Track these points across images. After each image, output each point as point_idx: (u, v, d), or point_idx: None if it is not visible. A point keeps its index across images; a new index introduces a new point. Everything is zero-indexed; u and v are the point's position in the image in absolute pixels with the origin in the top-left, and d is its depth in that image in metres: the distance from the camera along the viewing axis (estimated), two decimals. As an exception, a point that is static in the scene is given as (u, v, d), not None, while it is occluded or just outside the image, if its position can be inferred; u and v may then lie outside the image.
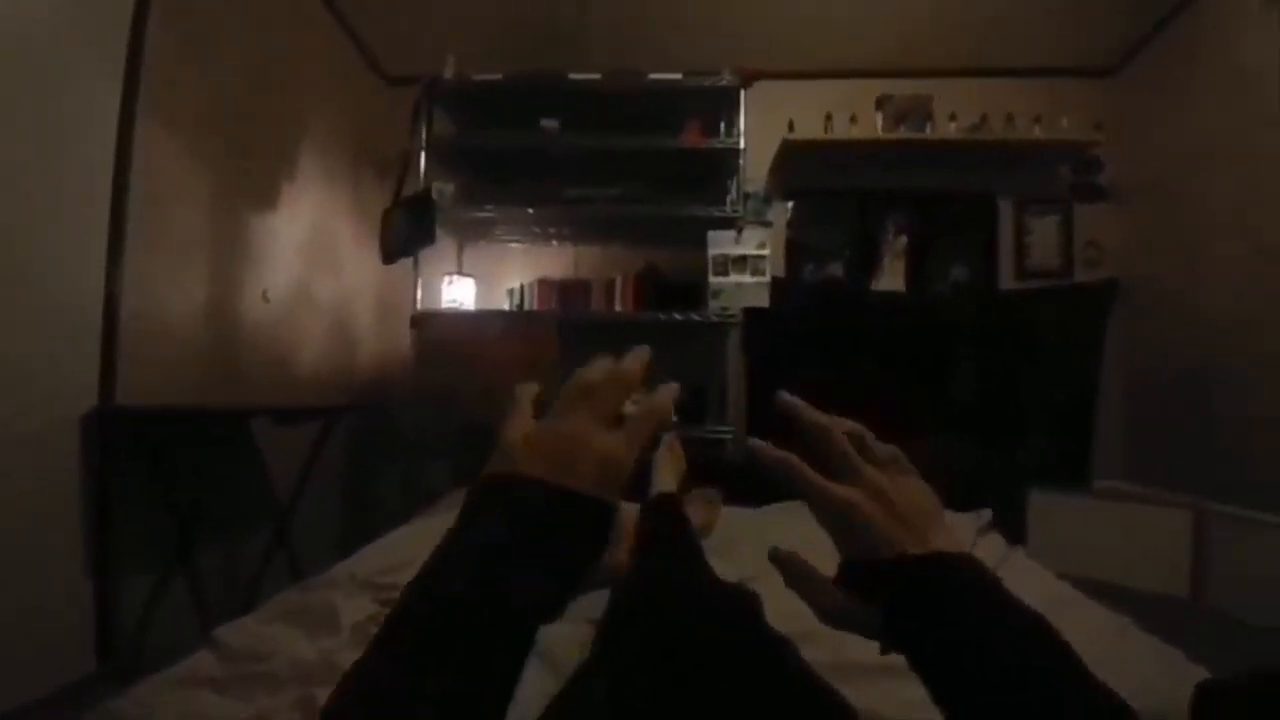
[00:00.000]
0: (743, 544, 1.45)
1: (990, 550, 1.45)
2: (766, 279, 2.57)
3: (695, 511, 1.47)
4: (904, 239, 2.97)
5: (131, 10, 1.78)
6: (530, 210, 2.85)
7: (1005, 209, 3.10)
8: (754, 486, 2.00)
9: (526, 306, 2.96)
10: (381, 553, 1.36)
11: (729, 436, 2.56)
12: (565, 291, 3.03)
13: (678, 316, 2.67)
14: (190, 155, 1.99)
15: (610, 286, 2.94)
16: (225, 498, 2.04)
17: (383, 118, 3.08)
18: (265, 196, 2.37)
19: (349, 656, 0.94)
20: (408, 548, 1.40)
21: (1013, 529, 2.61)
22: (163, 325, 1.90)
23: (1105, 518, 2.64)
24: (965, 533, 1.51)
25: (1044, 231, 3.09)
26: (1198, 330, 2.57)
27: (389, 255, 2.61)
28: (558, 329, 2.73)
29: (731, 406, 2.78)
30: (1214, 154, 2.49)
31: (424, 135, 2.71)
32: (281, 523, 2.10)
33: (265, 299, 2.33)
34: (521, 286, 3.03)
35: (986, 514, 1.65)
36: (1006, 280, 3.06)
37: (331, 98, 2.82)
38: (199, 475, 1.87)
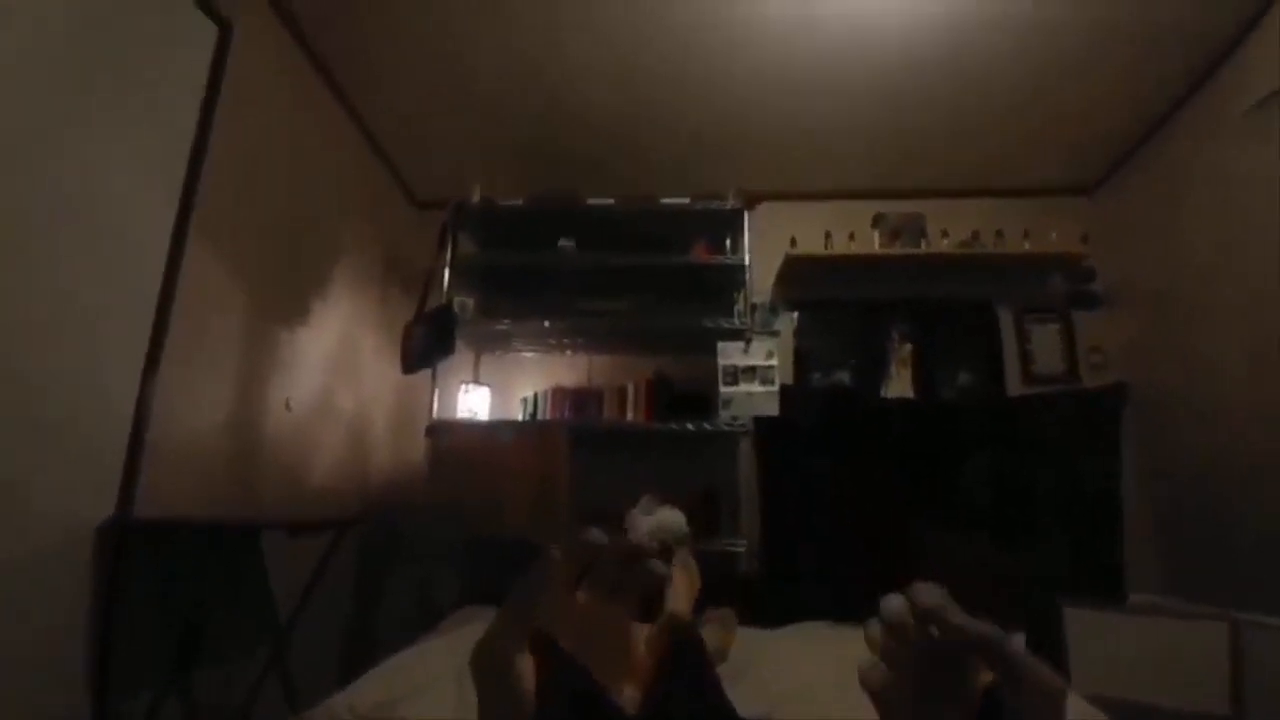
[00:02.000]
0: (762, 669, 1.39)
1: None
2: (775, 388, 2.62)
3: (710, 634, 1.43)
4: (909, 346, 3.05)
5: (191, 143, 1.97)
6: (545, 323, 2.98)
7: (1006, 317, 3.20)
8: (770, 606, 1.94)
9: (540, 415, 3.01)
10: (383, 681, 1.32)
11: (742, 550, 2.50)
12: (578, 400, 3.08)
13: (689, 426, 2.70)
14: (228, 271, 2.14)
15: (622, 395, 3.00)
16: (229, 612, 2.00)
17: (411, 238, 3.30)
18: (296, 310, 2.50)
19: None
20: (410, 677, 1.36)
21: (1049, 647, 2.48)
22: (188, 436, 1.95)
23: (1141, 634, 2.50)
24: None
25: (1045, 338, 3.16)
26: (1208, 432, 2.56)
27: (409, 365, 2.71)
28: (569, 438, 2.76)
29: (745, 518, 2.74)
30: (1203, 257, 2.60)
31: (448, 254, 2.90)
32: (279, 644, 2.03)
33: (288, 408, 2.40)
34: (535, 395, 3.10)
35: (1019, 639, 1.58)
36: (1014, 386, 3.10)
37: (365, 219, 3.04)
38: (205, 588, 1.84)
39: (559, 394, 3.09)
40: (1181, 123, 2.73)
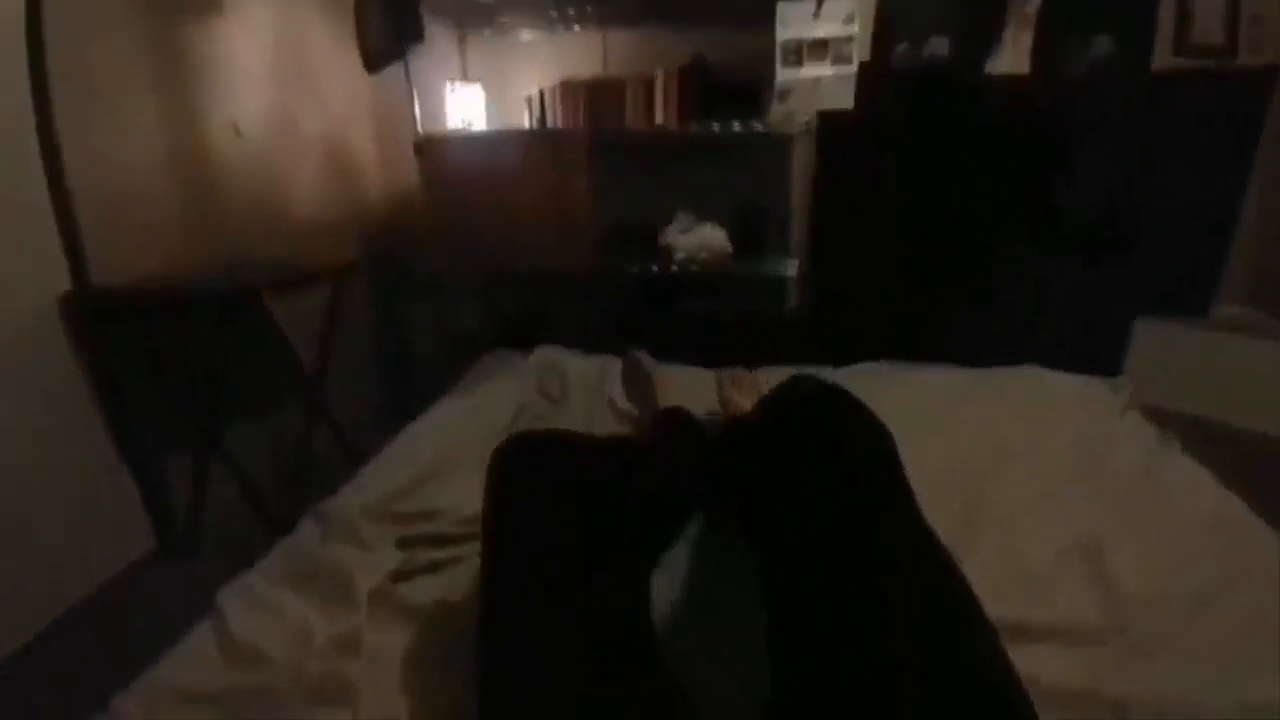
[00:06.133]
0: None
1: (1138, 438, 1.18)
2: (852, 68, 1.99)
3: (742, 395, 1.23)
4: (1034, 2, 2.25)
5: None
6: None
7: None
8: (825, 342, 1.72)
9: (549, 119, 2.48)
10: (401, 462, 1.18)
11: (791, 274, 2.22)
12: (594, 96, 2.50)
13: (735, 127, 2.17)
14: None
15: (648, 88, 2.40)
16: (248, 371, 1.90)
17: None
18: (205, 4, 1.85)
19: (369, 640, 0.79)
20: (433, 449, 1.21)
21: (1110, 358, 2.32)
22: (120, 184, 1.59)
23: (1217, 349, 2.31)
24: (1106, 407, 1.26)
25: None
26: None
27: (373, 60, 2.12)
28: (589, 149, 2.30)
29: (795, 237, 2.39)
30: None
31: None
32: (310, 392, 1.96)
33: (237, 133, 1.94)
34: (541, 93, 2.51)
35: (1124, 388, 1.35)
36: (1163, 57, 2.34)
37: None
38: (214, 352, 1.69)
39: (570, 91, 2.50)
40: None
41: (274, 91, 2.09)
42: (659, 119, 2.35)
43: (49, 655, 1.36)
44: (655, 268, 2.29)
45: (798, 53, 1.97)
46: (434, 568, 0.90)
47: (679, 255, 2.30)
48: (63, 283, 1.47)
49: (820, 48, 1.96)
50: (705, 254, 2.31)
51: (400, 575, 0.88)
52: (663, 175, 2.50)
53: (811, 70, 1.97)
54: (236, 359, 1.82)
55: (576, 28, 2.59)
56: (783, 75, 2.00)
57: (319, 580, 0.85)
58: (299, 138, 2.17)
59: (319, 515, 1.01)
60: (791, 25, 1.97)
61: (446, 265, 2.39)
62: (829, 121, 2.03)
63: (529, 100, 2.53)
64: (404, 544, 0.94)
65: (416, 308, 2.64)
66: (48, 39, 1.40)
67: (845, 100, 1.98)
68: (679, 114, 2.33)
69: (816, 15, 1.95)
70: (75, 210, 1.47)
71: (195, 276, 1.67)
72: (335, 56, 2.39)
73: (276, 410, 2.02)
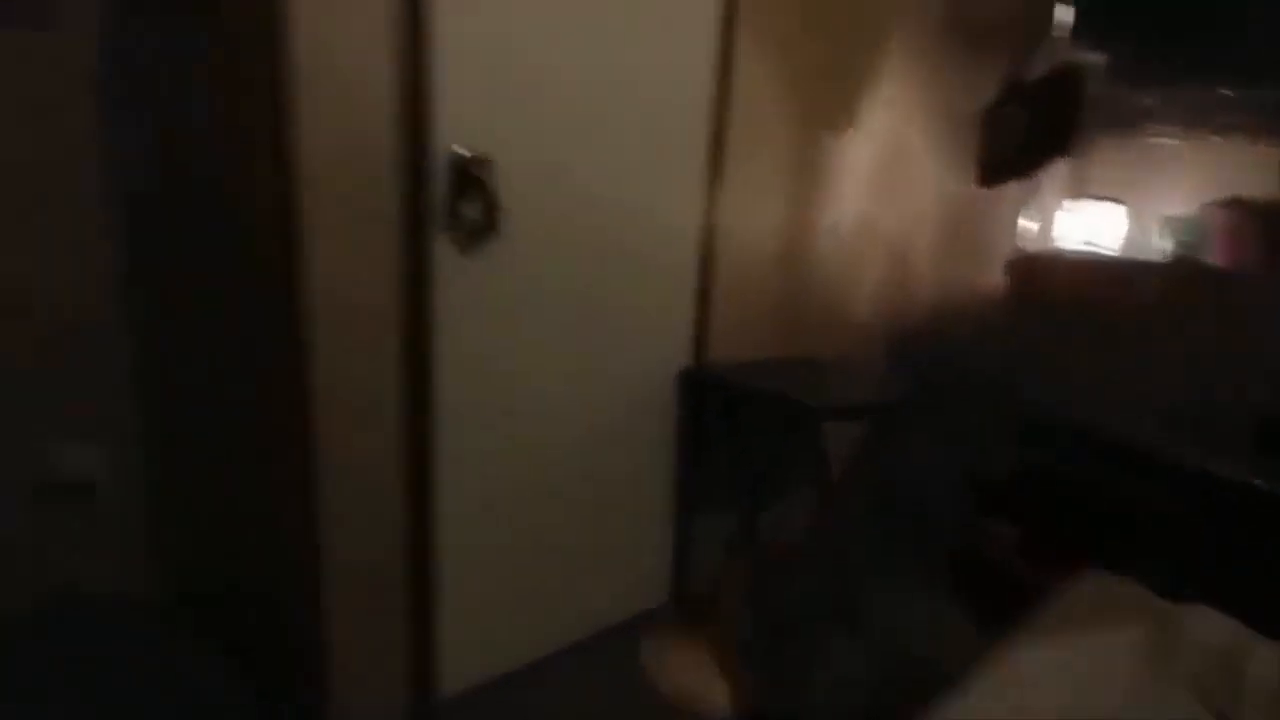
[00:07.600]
0: None
1: None
2: None
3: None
4: None
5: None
6: (1223, 89, 1.70)
7: None
8: None
9: (1199, 250, 1.87)
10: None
11: None
12: (1274, 228, 1.78)
13: None
14: (774, 63, 1.65)
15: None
16: (785, 468, 1.89)
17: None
18: (840, 105, 1.92)
19: None
20: None
21: None
22: (743, 270, 1.72)
23: None
24: None
25: None
26: None
27: (992, 174, 1.91)
28: (1267, 296, 1.64)
29: None
30: None
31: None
32: (824, 503, 1.84)
33: (833, 234, 1.97)
34: (1189, 218, 1.92)
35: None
36: None
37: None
38: (768, 443, 1.71)
39: (1239, 216, 1.84)
40: None
41: (865, 196, 2.07)
42: None
43: (549, 678, 1.46)
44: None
45: None
46: None
47: None
48: (683, 356, 1.64)
49: None
50: None
51: None
52: None
53: None
54: (781, 451, 1.81)
55: (1250, 139, 1.90)
56: None
57: None
58: (875, 241, 2.12)
59: None
60: None
61: (993, 406, 2.00)
62: None
63: (1167, 223, 1.96)
64: None
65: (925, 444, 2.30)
66: (731, 120, 1.57)
67: None
68: None
69: None
70: (714, 286, 1.63)
71: (776, 370, 1.70)
72: (927, 163, 2.27)
73: (785, 500, 1.97)
